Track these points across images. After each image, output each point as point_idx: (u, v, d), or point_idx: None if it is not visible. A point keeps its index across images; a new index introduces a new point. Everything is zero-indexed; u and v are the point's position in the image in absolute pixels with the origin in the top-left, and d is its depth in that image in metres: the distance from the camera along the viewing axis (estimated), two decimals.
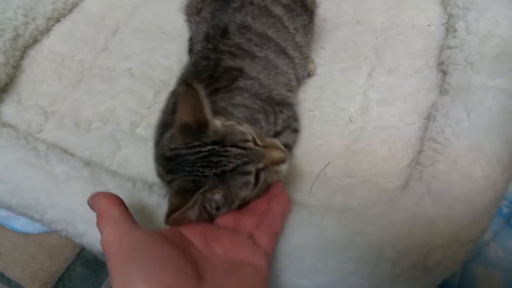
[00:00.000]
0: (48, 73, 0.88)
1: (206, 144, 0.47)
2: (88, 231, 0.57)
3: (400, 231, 0.51)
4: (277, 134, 0.65)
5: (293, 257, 0.51)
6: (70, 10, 1.00)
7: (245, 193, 0.49)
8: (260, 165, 0.49)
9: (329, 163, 0.68)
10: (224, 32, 0.66)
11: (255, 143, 0.50)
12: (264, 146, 0.50)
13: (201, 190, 0.45)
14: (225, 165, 0.47)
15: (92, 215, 0.57)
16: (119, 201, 0.46)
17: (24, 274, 1.29)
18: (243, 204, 0.51)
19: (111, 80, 0.85)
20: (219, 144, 0.47)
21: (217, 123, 0.50)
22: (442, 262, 0.49)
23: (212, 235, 0.46)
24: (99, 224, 0.44)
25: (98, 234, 0.56)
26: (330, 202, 0.63)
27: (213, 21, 0.69)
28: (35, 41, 0.93)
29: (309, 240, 0.52)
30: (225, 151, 0.47)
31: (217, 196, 0.47)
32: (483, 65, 0.65)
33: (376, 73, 0.78)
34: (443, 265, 0.49)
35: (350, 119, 0.73)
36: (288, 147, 0.66)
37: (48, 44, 0.93)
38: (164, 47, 0.90)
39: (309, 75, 0.80)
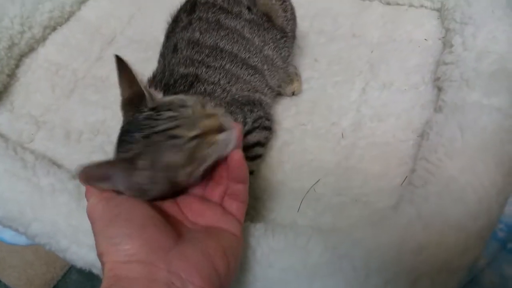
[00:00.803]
0: (42, 82, 0.87)
1: (142, 112, 0.46)
2: (70, 247, 0.57)
3: (388, 256, 0.49)
4: (247, 133, 0.64)
5: (277, 281, 0.50)
6: (67, 19, 0.99)
7: (172, 159, 0.43)
8: (193, 133, 0.44)
9: (319, 179, 0.67)
10: (174, 49, 0.68)
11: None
12: (204, 115, 0.46)
13: (124, 154, 0.44)
14: (153, 127, 0.44)
15: (75, 231, 0.57)
16: None
17: (20, 280, 1.29)
18: (179, 187, 0.47)
19: (104, 90, 0.85)
20: (155, 109, 0.45)
21: (159, 94, 0.50)
22: None
23: (183, 201, 0.48)
24: (87, 194, 0.45)
25: (80, 250, 0.56)
26: (318, 221, 0.62)
27: (166, 42, 0.73)
28: (30, 49, 0.93)
29: (294, 263, 0.50)
30: (159, 115, 0.44)
31: (143, 164, 0.43)
32: (479, 82, 0.64)
33: (369, 88, 0.77)
34: None
35: (342, 134, 0.72)
36: (260, 144, 0.67)
37: (44, 52, 0.93)
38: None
39: (293, 94, 0.79)
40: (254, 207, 0.65)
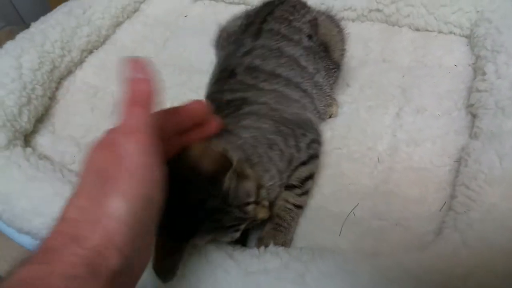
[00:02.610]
0: (81, 104, 0.90)
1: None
2: None
3: (436, 282, 0.50)
4: (303, 164, 0.66)
5: None
6: (103, 42, 1.03)
7: (226, 239, 0.52)
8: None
9: (358, 204, 0.68)
10: (231, 74, 0.69)
11: (256, 201, 0.52)
12: (258, 202, 0.53)
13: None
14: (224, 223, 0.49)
15: None
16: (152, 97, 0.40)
17: None
18: None
19: None
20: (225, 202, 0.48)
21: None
22: None
23: None
24: (128, 109, 0.38)
25: None
26: (360, 245, 0.63)
27: (223, 64, 0.73)
28: (69, 72, 0.96)
29: (344, 287, 0.52)
30: (228, 211, 0.49)
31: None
32: None
33: (403, 113, 0.79)
34: None
35: (378, 159, 0.74)
36: (311, 177, 0.67)
37: (81, 75, 0.96)
38: (192, 81, 0.92)
39: (330, 117, 0.81)
40: (296, 231, 0.66)
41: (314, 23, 0.76)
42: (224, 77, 0.71)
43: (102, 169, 0.35)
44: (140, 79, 0.39)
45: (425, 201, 0.67)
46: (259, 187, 0.53)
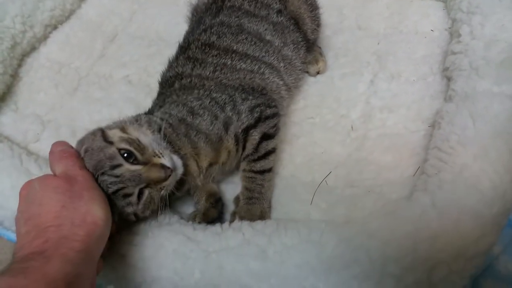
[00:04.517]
0: (45, 81, 0.86)
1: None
2: None
3: (404, 245, 0.49)
4: (251, 127, 0.63)
5: (292, 277, 0.49)
6: (68, 17, 0.99)
7: (130, 210, 0.53)
8: (142, 185, 0.52)
9: (330, 172, 0.66)
10: (185, 50, 0.70)
11: (136, 160, 0.52)
12: (146, 163, 0.52)
13: None
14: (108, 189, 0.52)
15: None
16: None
17: None
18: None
19: (108, 87, 0.84)
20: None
21: None
22: (448, 278, 0.47)
23: None
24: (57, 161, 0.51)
25: None
26: (332, 213, 0.61)
27: (183, 41, 0.73)
28: (32, 48, 0.92)
29: (309, 258, 0.50)
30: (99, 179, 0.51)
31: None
32: (489, 70, 0.63)
33: (378, 80, 0.77)
34: (449, 281, 0.47)
35: (351, 126, 0.71)
36: (269, 136, 0.64)
37: (46, 51, 0.92)
38: (162, 54, 0.88)
39: (318, 73, 0.80)
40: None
41: None
42: (178, 53, 0.72)
43: (67, 190, 0.47)
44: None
45: (398, 167, 0.65)
46: (140, 149, 0.53)
